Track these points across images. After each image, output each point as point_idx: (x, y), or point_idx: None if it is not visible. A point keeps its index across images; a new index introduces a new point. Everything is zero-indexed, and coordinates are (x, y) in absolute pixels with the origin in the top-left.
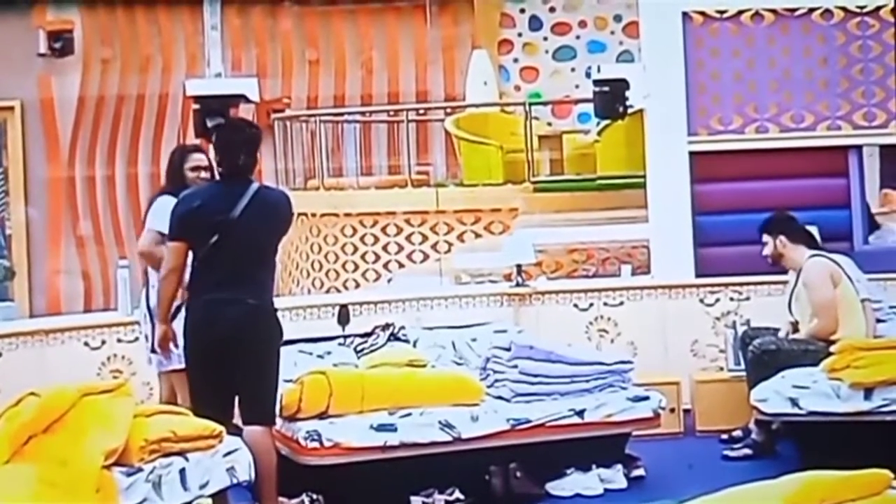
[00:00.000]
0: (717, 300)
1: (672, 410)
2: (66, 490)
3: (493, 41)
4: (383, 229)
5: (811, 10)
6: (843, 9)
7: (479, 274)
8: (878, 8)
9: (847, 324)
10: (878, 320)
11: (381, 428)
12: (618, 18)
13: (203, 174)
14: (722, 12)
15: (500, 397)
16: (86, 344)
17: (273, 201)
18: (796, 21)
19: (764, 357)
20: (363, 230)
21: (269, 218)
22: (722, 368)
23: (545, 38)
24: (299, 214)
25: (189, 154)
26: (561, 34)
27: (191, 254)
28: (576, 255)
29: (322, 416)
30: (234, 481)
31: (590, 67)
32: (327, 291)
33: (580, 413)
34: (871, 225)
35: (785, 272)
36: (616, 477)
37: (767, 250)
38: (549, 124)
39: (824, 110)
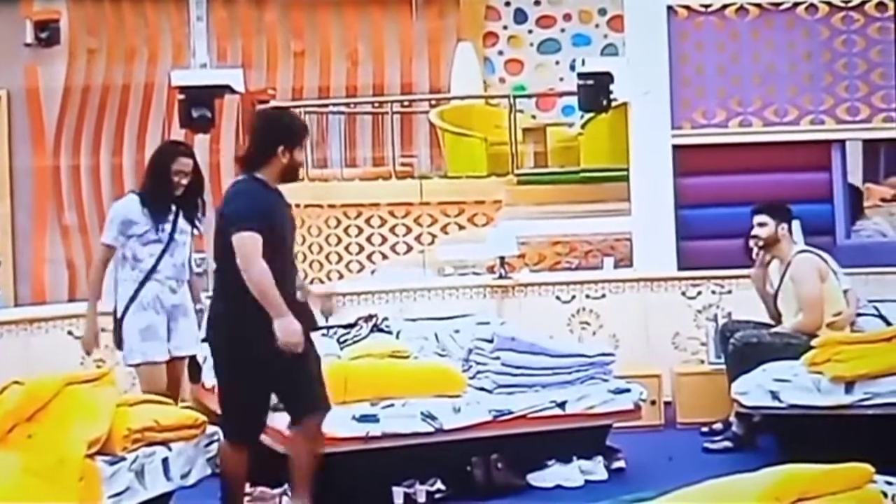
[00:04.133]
0: (699, 293)
1: (653, 403)
2: (49, 478)
3: (479, 34)
4: (367, 221)
5: (796, 4)
6: (828, 3)
7: (463, 266)
8: (863, 2)
9: (830, 307)
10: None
11: (364, 419)
12: (602, 12)
13: (184, 181)
14: (707, 6)
15: (482, 389)
16: (70, 333)
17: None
18: (781, 15)
19: (745, 350)
20: (347, 221)
21: (292, 220)
22: (703, 361)
23: (530, 31)
24: None
25: (179, 157)
26: (546, 27)
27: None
28: (559, 247)
29: None
30: (216, 471)
31: (574, 60)
32: (311, 282)
33: (562, 405)
34: (858, 213)
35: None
36: (597, 469)
37: (764, 232)
38: (534, 117)
39: (808, 104)
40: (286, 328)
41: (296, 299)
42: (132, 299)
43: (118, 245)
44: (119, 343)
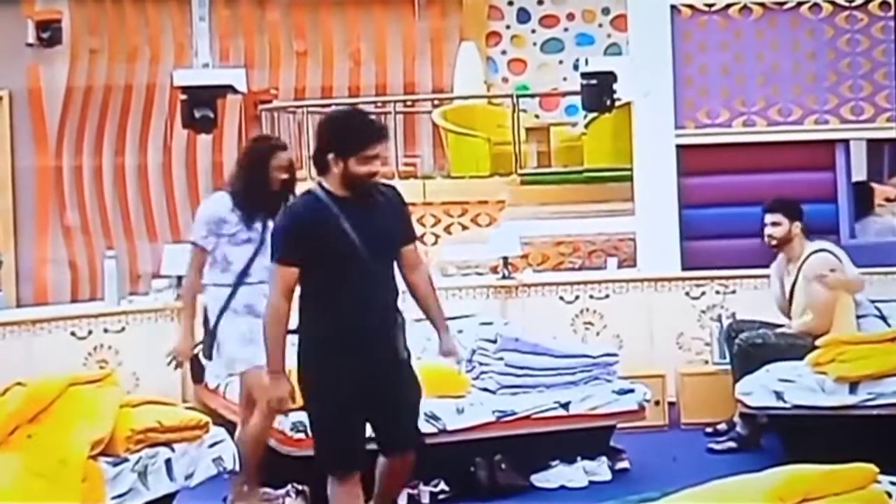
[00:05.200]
0: (703, 293)
1: (657, 403)
2: (52, 480)
3: (482, 33)
4: None
5: (799, 3)
6: (832, 3)
7: (466, 266)
8: (867, 2)
9: (842, 321)
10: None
11: None
12: (606, 11)
13: (282, 176)
14: (710, 5)
15: (485, 389)
16: (72, 334)
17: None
18: (784, 15)
19: (749, 350)
20: None
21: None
22: (707, 361)
23: (533, 31)
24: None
25: (277, 151)
26: (549, 27)
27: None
28: (562, 247)
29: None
30: (220, 471)
31: (577, 60)
32: None
33: (565, 405)
34: (866, 209)
35: (770, 255)
36: (601, 469)
37: (778, 232)
38: (537, 117)
39: (812, 104)
40: (276, 386)
41: (391, 326)
42: (225, 306)
43: (209, 247)
44: (210, 352)
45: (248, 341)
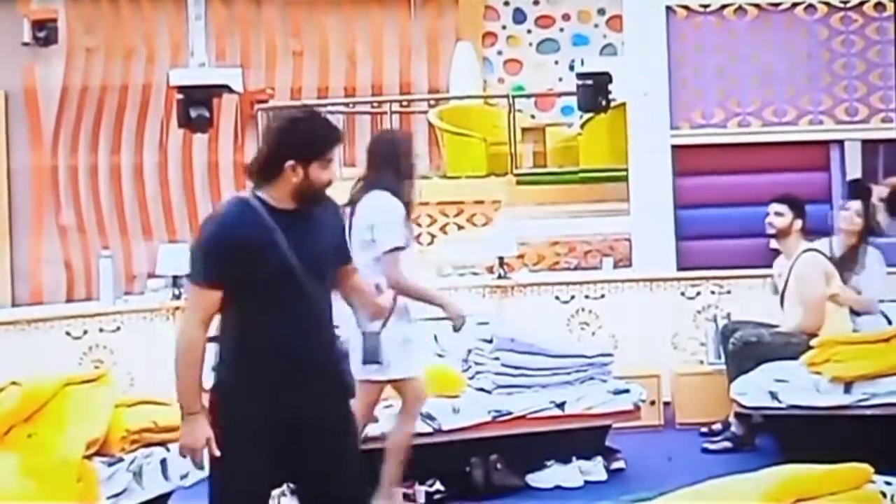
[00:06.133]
0: (698, 293)
1: (652, 403)
2: (47, 480)
3: (478, 33)
4: None
5: (794, 4)
6: (827, 4)
7: (462, 266)
8: (862, 3)
9: (834, 316)
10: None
11: None
12: (601, 12)
13: (416, 163)
14: (705, 6)
15: (481, 389)
16: (67, 333)
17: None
18: (779, 16)
19: (744, 350)
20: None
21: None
22: (702, 361)
23: (529, 31)
24: None
25: (410, 143)
26: (545, 27)
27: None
28: (558, 247)
29: None
30: None
31: (573, 60)
32: None
33: (561, 405)
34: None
35: (765, 255)
36: (596, 469)
37: (779, 221)
38: (533, 117)
39: (807, 105)
40: (188, 431)
41: (331, 358)
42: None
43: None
44: (373, 357)
45: (410, 349)
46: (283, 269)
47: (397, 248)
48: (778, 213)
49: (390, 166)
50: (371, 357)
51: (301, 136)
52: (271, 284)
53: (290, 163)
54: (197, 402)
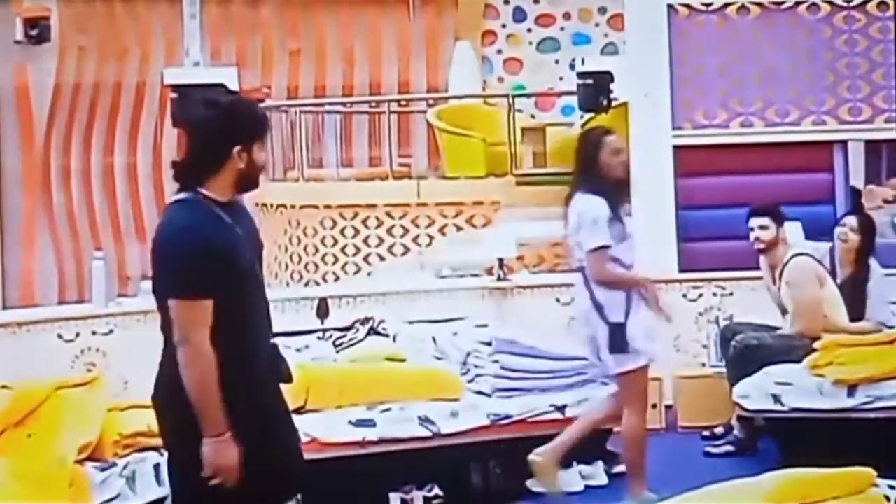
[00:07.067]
0: (700, 295)
1: (654, 406)
2: (38, 484)
3: (477, 32)
4: (364, 221)
5: (797, 3)
6: (830, 3)
7: (461, 267)
8: (865, 2)
9: (834, 315)
10: None
11: (360, 423)
12: (602, 10)
13: (623, 157)
14: (707, 5)
15: (480, 392)
16: (59, 336)
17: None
18: (782, 15)
19: (746, 352)
20: (343, 222)
21: (258, 240)
22: (704, 364)
23: (529, 30)
24: (278, 206)
25: (604, 136)
26: (545, 26)
27: None
28: (558, 248)
29: (299, 410)
30: None
31: (574, 60)
32: (306, 284)
33: (561, 408)
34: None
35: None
36: (597, 473)
37: (767, 235)
38: (533, 116)
39: (809, 105)
40: (220, 451)
41: (274, 347)
42: (630, 298)
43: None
44: (620, 347)
45: (651, 335)
46: (249, 261)
47: (600, 248)
48: (763, 227)
49: (593, 166)
50: (619, 347)
51: (244, 120)
52: (243, 284)
53: (237, 148)
54: (223, 421)
